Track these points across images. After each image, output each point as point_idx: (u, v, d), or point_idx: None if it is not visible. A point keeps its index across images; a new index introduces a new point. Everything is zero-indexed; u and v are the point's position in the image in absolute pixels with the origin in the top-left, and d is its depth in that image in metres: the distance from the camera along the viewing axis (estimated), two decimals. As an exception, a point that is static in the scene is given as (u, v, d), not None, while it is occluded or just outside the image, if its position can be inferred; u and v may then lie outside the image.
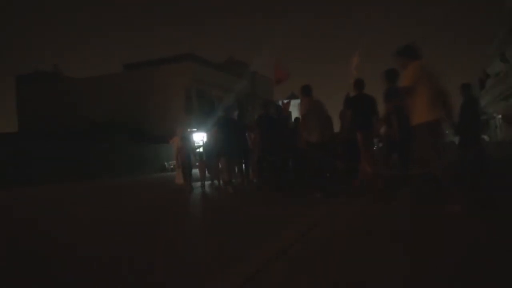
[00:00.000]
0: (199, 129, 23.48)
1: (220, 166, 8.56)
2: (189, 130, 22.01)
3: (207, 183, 9.09)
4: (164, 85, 27.24)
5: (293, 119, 8.78)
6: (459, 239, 2.69)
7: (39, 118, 30.30)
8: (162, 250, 3.01)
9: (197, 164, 10.05)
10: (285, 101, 8.29)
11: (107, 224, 4.69)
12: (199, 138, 22.26)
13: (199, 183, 9.15)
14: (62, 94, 30.21)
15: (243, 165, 7.59)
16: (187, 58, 28.61)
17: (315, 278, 2.09)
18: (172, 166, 21.47)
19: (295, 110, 10.19)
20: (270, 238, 3.05)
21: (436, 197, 3.94)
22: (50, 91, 30.96)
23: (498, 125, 35.81)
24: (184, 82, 27.08)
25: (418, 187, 4.36)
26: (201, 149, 9.81)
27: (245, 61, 36.96)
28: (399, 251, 2.49)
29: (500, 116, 33.09)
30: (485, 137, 39.79)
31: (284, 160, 7.36)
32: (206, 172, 9.65)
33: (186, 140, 9.11)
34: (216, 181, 9.07)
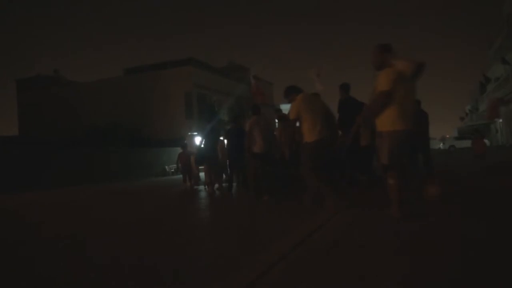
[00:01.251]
0: (199, 134, 23.52)
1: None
2: (189, 134, 22.07)
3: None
4: (165, 89, 27.28)
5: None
6: (459, 239, 2.70)
7: (40, 122, 30.33)
8: (163, 253, 3.01)
9: (202, 167, 10.24)
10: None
11: (107, 224, 4.70)
12: (199, 142, 22.26)
13: (202, 187, 9.30)
14: (62, 98, 30.22)
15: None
16: (187, 63, 28.65)
17: (315, 280, 2.09)
18: (173, 170, 21.49)
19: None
20: (271, 242, 3.04)
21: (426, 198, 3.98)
22: (50, 95, 31.01)
23: (499, 129, 35.78)
24: (185, 86, 27.12)
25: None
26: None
27: (245, 65, 37.10)
28: (399, 251, 2.50)
29: (500, 120, 33.07)
30: (486, 141, 39.77)
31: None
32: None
33: (188, 144, 10.34)
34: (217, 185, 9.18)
